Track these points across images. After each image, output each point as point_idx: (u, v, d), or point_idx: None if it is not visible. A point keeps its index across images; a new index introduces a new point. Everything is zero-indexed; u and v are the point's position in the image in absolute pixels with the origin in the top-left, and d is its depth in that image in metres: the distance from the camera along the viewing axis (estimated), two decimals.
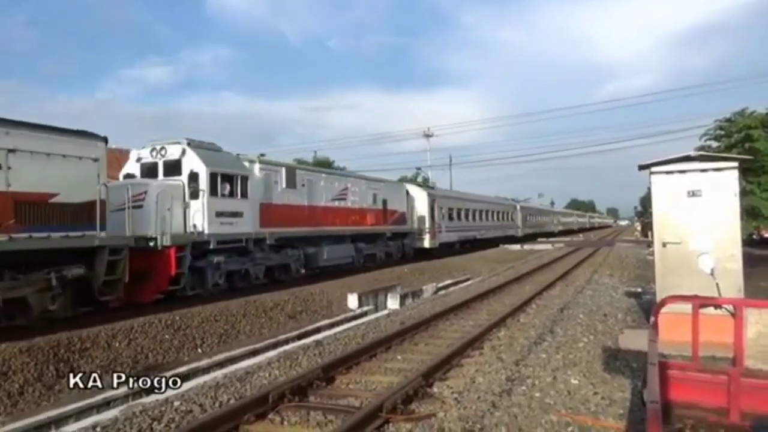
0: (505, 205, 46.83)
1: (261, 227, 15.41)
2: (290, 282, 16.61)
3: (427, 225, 28.02)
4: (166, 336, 10.52)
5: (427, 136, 55.09)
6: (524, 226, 50.65)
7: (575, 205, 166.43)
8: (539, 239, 51.88)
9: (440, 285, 18.39)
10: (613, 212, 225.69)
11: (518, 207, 50.12)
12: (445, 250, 30.10)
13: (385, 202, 23.54)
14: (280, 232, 16.24)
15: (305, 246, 17.78)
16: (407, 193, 26.79)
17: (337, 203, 19.88)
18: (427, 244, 28.00)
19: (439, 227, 29.52)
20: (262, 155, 16.75)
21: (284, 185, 16.83)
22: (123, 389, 7.56)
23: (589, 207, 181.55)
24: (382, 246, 23.49)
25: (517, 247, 38.14)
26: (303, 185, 17.76)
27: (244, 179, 14.73)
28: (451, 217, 31.93)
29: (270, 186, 16.26)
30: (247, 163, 15.51)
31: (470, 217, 35.77)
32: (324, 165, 48.40)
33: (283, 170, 17.07)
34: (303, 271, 17.87)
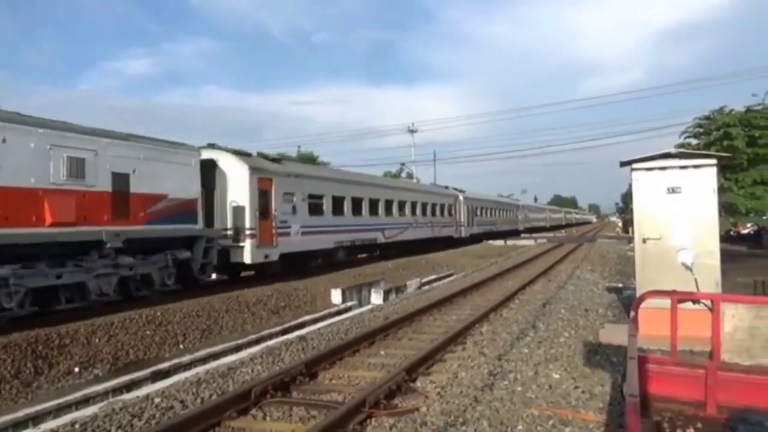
0: (437, 195, 33.40)
1: None
2: (273, 277, 16.51)
3: (248, 223, 15.44)
4: (147, 332, 10.42)
5: (412, 131, 55.09)
6: (471, 223, 38.46)
7: (558, 201, 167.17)
8: (522, 235, 51.28)
9: (424, 280, 18.47)
10: (594, 208, 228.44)
11: (461, 198, 36.80)
12: (295, 266, 17.92)
13: (124, 179, 12.01)
14: None
15: None
16: (209, 166, 15.21)
17: None
18: (247, 256, 15.41)
19: (285, 226, 17.25)
20: None
21: None
22: (103, 385, 7.48)
23: (571, 203, 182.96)
24: (109, 268, 11.55)
25: (500, 242, 38.62)
26: None
27: None
28: (314, 210, 19.29)
29: None
30: None
31: (363, 211, 23.00)
32: (308, 160, 48.13)
33: None
34: None
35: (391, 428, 5.11)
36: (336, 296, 14.93)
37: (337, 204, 21.04)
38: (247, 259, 15.58)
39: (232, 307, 12.64)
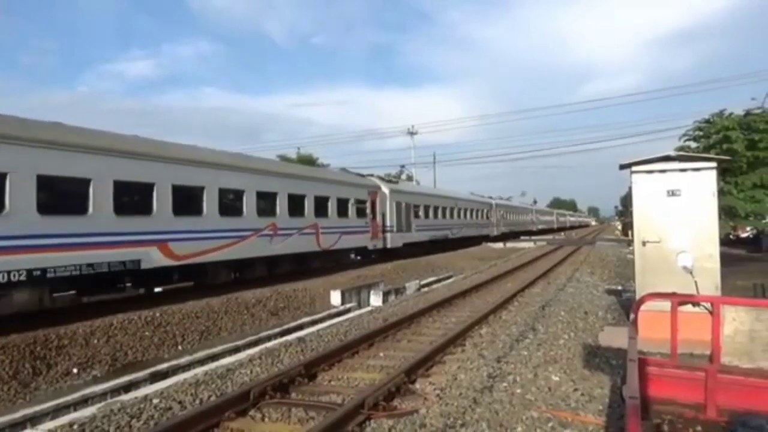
0: (333, 184, 21.74)
1: None
2: (273, 279, 16.48)
3: None
4: (146, 333, 10.41)
5: (411, 133, 55.16)
6: (407, 227, 27.95)
7: (557, 204, 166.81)
8: (522, 238, 50.69)
9: (423, 282, 18.45)
10: (594, 211, 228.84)
11: (387, 191, 26.03)
12: None
13: None
14: None
15: None
16: None
17: None
18: None
19: None
20: None
21: None
22: (101, 386, 7.46)
23: (570, 206, 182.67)
24: None
25: (499, 245, 38.57)
26: None
27: None
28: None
29: None
30: None
31: (90, 206, 11.21)
32: (307, 162, 48.15)
33: None
34: None
35: (390, 430, 5.09)
36: (335, 298, 14.91)
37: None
38: None
39: (231, 308, 12.63)
